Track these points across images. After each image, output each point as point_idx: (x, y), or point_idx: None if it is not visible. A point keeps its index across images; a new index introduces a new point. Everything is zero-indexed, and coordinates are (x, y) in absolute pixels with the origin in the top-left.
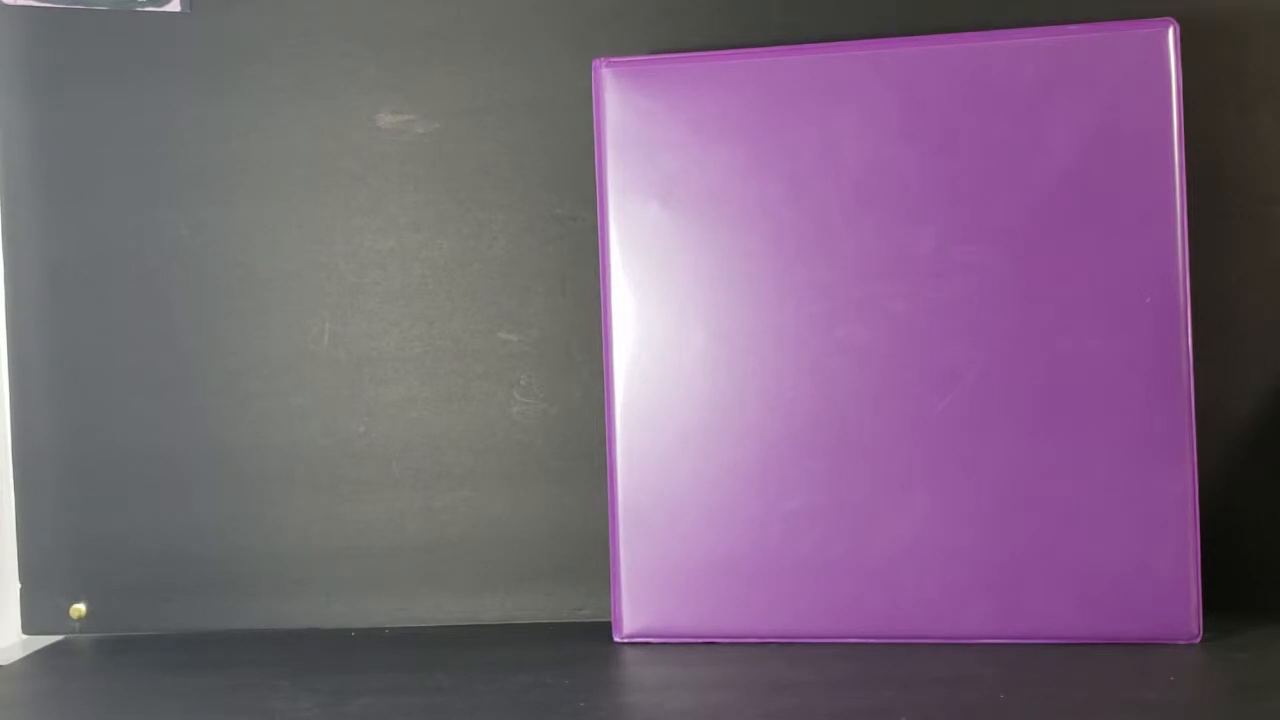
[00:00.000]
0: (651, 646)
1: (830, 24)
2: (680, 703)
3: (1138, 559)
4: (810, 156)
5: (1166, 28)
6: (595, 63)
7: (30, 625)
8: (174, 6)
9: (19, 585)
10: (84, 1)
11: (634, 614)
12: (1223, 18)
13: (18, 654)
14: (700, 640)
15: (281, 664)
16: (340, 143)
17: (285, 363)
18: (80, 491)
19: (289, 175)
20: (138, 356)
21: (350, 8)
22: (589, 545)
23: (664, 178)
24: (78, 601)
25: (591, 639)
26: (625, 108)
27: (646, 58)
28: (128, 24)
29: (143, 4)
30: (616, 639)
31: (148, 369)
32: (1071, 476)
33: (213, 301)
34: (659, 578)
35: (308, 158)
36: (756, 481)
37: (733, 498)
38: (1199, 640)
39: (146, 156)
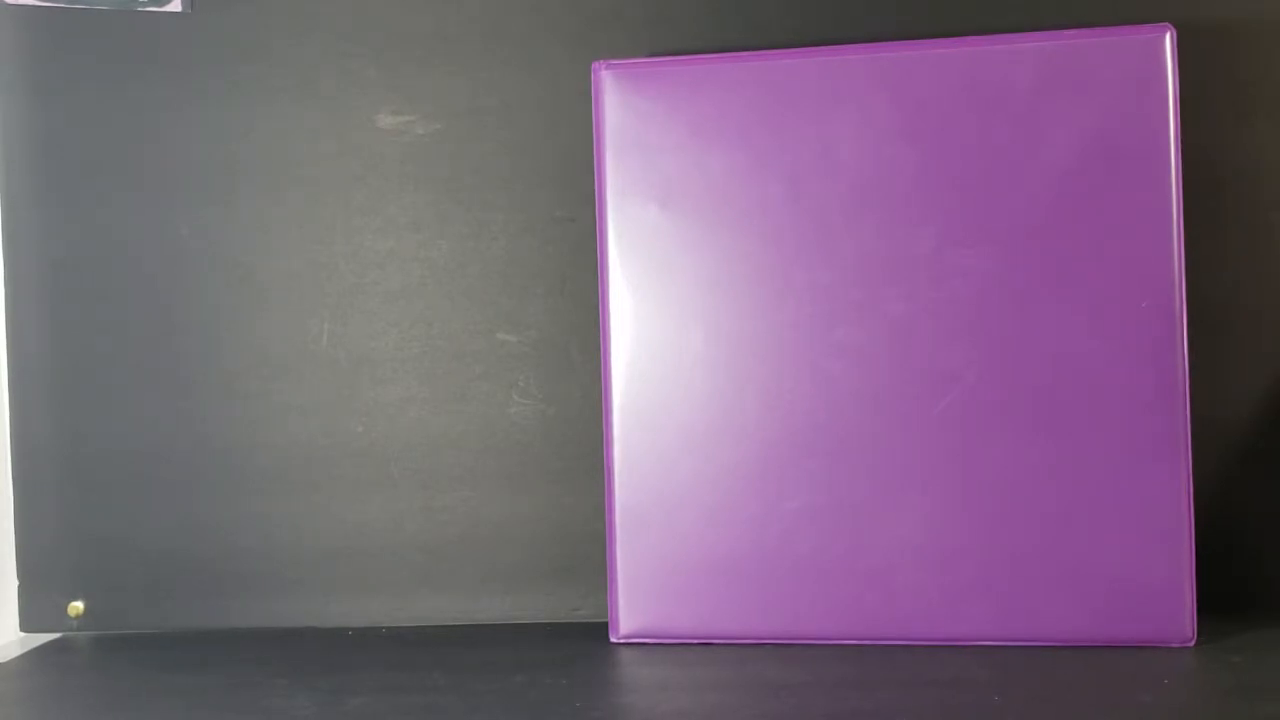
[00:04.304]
0: (648, 647)
1: (829, 27)
2: (676, 703)
3: (1133, 562)
4: (809, 159)
5: (1164, 33)
6: (595, 64)
7: (28, 623)
8: (174, 6)
9: (17, 583)
10: (84, 1)
11: (631, 614)
12: (1220, 23)
13: (15, 651)
14: (697, 641)
15: (279, 662)
16: (340, 143)
17: (284, 362)
18: (79, 489)
19: (289, 175)
20: (137, 356)
21: (350, 8)
22: (587, 545)
23: (663, 179)
24: (76, 599)
25: (589, 639)
26: (624, 109)
27: (646, 60)
28: (128, 24)
29: (143, 4)
30: (613, 639)
31: (147, 368)
32: (1068, 479)
33: (213, 301)
34: (656, 578)
35: (308, 158)
36: (755, 482)
37: (731, 498)
38: (1193, 643)
39: (146, 156)
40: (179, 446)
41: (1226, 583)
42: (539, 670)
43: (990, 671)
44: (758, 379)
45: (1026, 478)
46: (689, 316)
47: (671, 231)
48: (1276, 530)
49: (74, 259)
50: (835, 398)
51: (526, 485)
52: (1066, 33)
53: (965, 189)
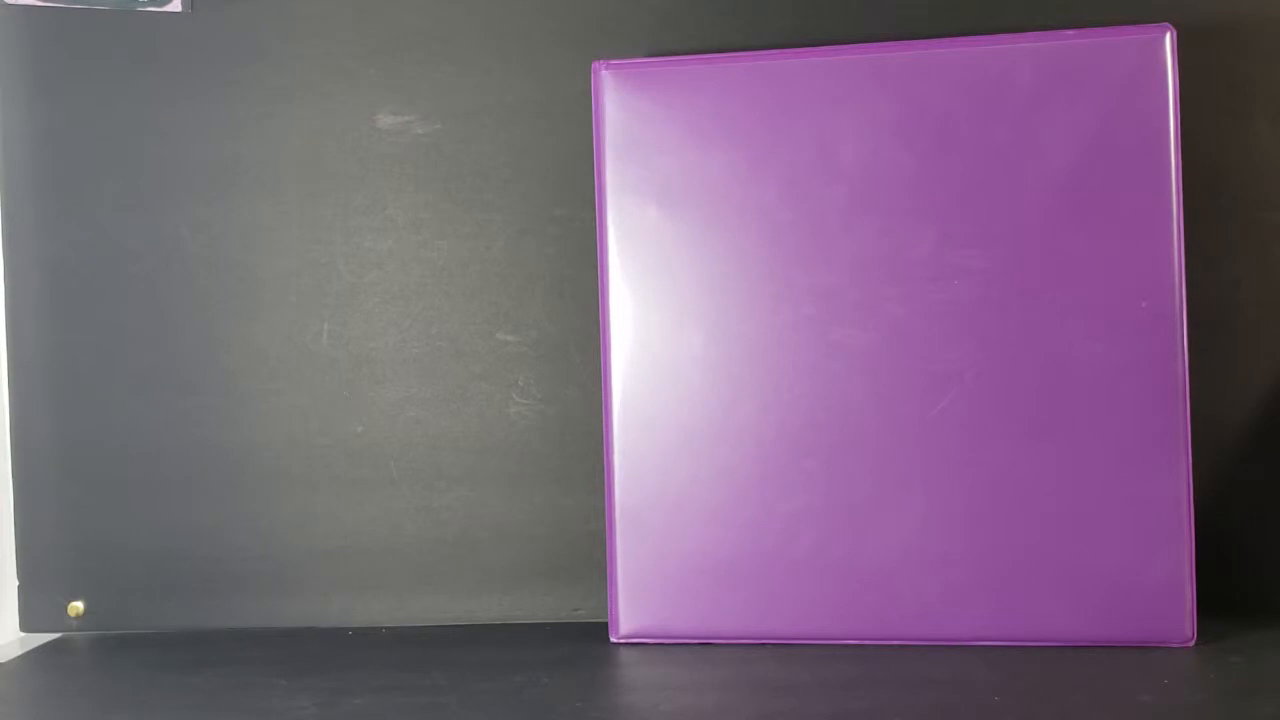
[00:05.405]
0: (648, 647)
1: (829, 27)
2: (676, 703)
3: (1133, 562)
4: (808, 159)
5: (1164, 33)
6: (595, 64)
7: (28, 623)
8: (174, 6)
9: (17, 583)
10: (84, 1)
11: (630, 614)
12: (1220, 23)
13: (15, 651)
14: (696, 641)
15: (279, 663)
16: (339, 143)
17: (284, 362)
18: (78, 489)
19: (288, 175)
20: (137, 356)
21: (350, 8)
22: (586, 545)
23: (662, 179)
24: (76, 599)
25: (588, 639)
26: (624, 109)
27: (646, 60)
28: (128, 24)
29: (143, 4)
30: (613, 639)
31: (147, 368)
32: (1067, 479)
33: (212, 301)
34: (656, 578)
35: (307, 158)
36: (753, 483)
37: (730, 499)
38: (1193, 643)
39: (147, 156)
40: (179, 446)
41: (1226, 583)
42: (539, 670)
43: (990, 671)
44: (757, 379)
45: (1026, 478)
46: (689, 317)
47: (671, 231)
48: (1276, 530)
49: (74, 259)
50: (835, 398)
51: (526, 485)
52: (1066, 33)
53: (965, 189)
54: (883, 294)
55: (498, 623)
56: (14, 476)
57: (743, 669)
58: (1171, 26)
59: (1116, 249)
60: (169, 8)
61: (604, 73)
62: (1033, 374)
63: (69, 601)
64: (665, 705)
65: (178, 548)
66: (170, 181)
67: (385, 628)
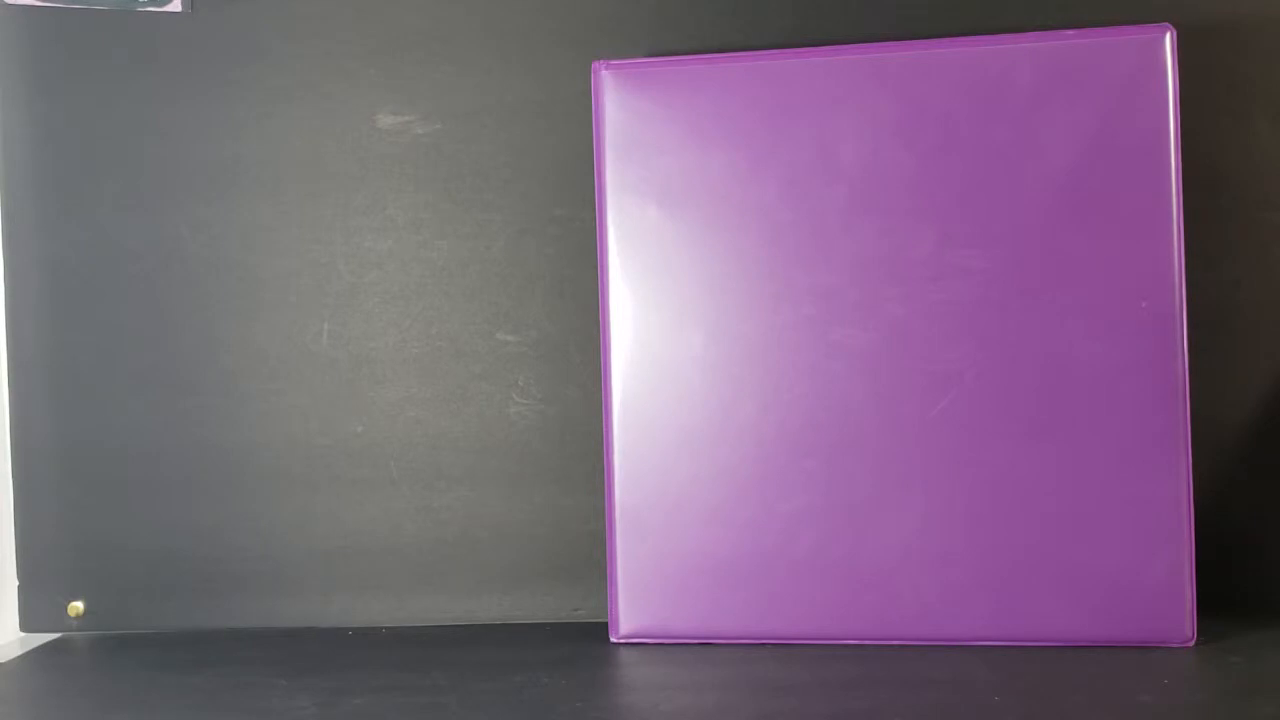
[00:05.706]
0: (648, 647)
1: (829, 27)
2: (676, 703)
3: (1133, 562)
4: (808, 159)
5: (1164, 33)
6: (595, 64)
7: (28, 623)
8: (174, 6)
9: (17, 583)
10: (84, 1)
11: (630, 614)
12: (1220, 23)
13: (15, 651)
14: (696, 641)
15: (279, 663)
16: (339, 143)
17: (284, 362)
18: (78, 489)
19: (288, 175)
20: (137, 356)
21: (350, 8)
22: (586, 546)
23: (662, 179)
24: (76, 599)
25: (588, 639)
26: (624, 109)
27: (646, 60)
28: (128, 24)
29: (143, 4)
30: (613, 639)
31: (146, 368)
32: (1067, 479)
33: (212, 301)
34: (656, 578)
35: (307, 158)
36: (754, 482)
37: (730, 499)
38: (1193, 643)
39: (147, 156)
40: (179, 446)
41: (1226, 583)
42: (539, 670)
43: (990, 671)
44: (757, 379)
45: (1026, 478)
46: (689, 317)
47: (671, 231)
48: (1276, 530)
49: (74, 258)
50: (834, 398)
51: (526, 485)
52: (1066, 33)
53: (965, 189)
54: (883, 294)
55: (498, 623)
56: (14, 476)
57: (743, 669)
58: (1171, 26)
59: (1116, 249)
60: (169, 8)
61: (604, 73)
62: (1033, 374)
63: (69, 601)
64: (665, 705)
65: (178, 548)
66: (170, 181)
67: (385, 628)
